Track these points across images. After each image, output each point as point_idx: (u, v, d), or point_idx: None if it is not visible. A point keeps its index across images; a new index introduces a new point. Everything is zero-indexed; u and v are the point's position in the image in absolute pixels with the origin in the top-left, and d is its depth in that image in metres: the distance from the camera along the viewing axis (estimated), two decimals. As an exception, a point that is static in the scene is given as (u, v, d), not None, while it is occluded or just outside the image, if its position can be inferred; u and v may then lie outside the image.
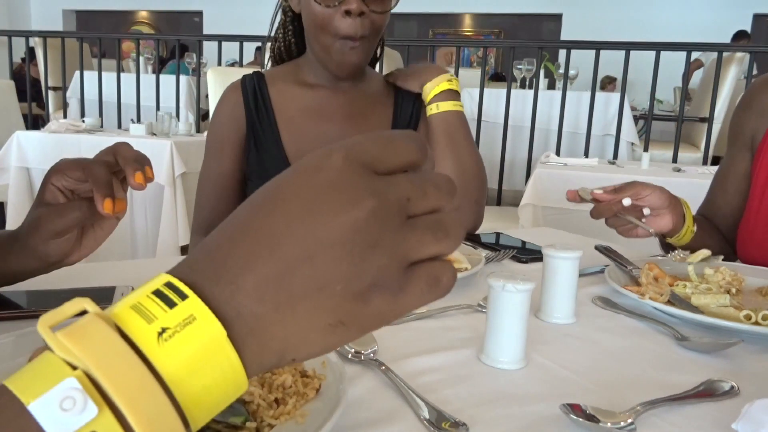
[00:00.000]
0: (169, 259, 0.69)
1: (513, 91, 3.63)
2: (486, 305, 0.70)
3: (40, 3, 11.12)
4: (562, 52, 3.95)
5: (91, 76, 4.52)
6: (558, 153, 3.28)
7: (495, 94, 3.74)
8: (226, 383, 0.29)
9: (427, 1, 9.58)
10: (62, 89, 4.67)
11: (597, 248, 1.05)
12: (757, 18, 8.83)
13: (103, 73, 4.40)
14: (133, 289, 0.76)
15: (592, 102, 3.52)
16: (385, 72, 1.33)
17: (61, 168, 0.71)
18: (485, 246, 1.13)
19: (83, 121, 3.17)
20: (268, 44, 1.32)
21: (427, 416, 0.53)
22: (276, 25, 1.28)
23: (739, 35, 6.70)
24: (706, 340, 0.71)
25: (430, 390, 0.58)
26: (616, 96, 3.61)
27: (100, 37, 4.60)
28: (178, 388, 0.28)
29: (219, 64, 4.18)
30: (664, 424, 0.54)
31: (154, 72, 4.62)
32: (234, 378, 0.29)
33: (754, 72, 3.61)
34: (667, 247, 1.12)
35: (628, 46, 3.52)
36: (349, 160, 0.31)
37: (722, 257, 1.02)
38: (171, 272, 0.30)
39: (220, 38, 4.17)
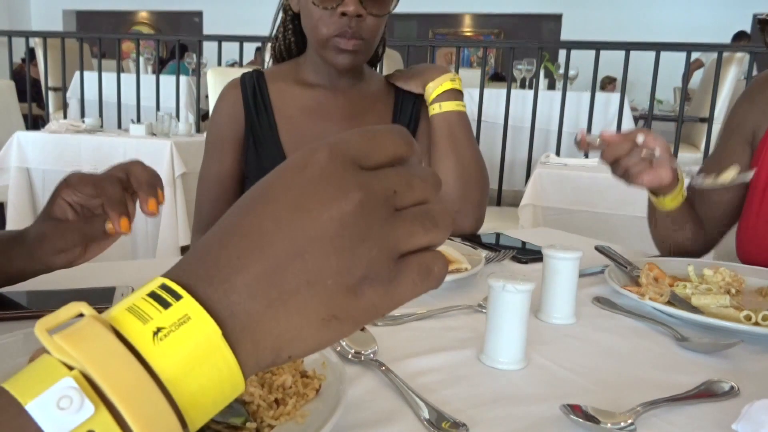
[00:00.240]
0: (170, 260, 0.69)
1: (513, 92, 3.63)
2: (486, 305, 0.70)
3: (40, 3, 11.12)
4: (562, 52, 3.95)
5: (91, 77, 4.52)
6: (558, 153, 3.28)
7: (495, 95, 3.74)
8: (222, 382, 0.29)
9: (427, 1, 9.57)
10: (62, 89, 4.67)
11: (597, 248, 1.05)
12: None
13: (103, 74, 4.40)
14: (133, 289, 0.76)
15: (592, 102, 3.52)
16: (385, 72, 1.33)
17: (72, 183, 0.70)
18: (485, 246, 1.13)
19: (83, 122, 3.17)
20: (269, 44, 1.32)
21: (427, 416, 0.53)
22: (277, 23, 1.28)
23: (739, 35, 6.71)
24: (706, 341, 0.71)
25: (430, 390, 0.58)
26: (616, 96, 3.61)
27: (100, 38, 4.60)
28: (174, 387, 0.28)
29: (219, 64, 4.18)
30: (664, 424, 0.54)
31: (154, 72, 4.62)
32: (230, 377, 0.29)
33: (754, 72, 3.61)
34: (653, 213, 1.12)
35: (628, 47, 3.52)
36: (335, 155, 0.31)
37: (752, 174, 1.02)
38: (166, 275, 0.31)
39: (220, 38, 4.17)
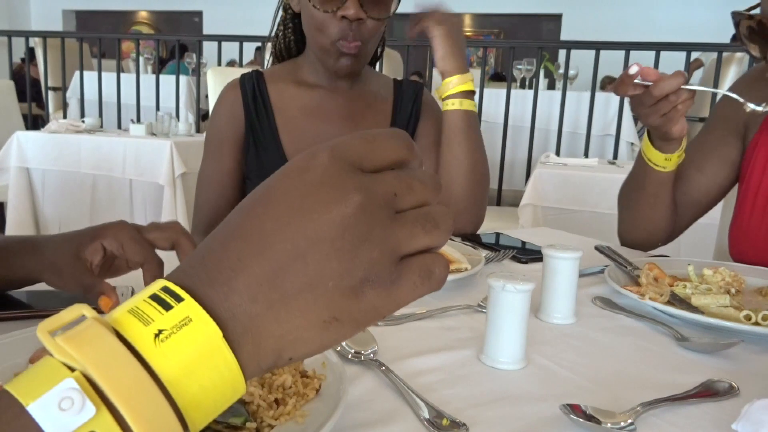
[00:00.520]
0: (169, 260, 0.69)
1: (513, 91, 3.63)
2: (486, 305, 0.70)
3: (40, 3, 11.12)
4: (562, 52, 3.95)
5: (91, 77, 4.52)
6: (558, 153, 3.28)
7: (495, 94, 3.74)
8: (223, 384, 0.29)
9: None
10: (62, 89, 4.67)
11: (597, 248, 1.05)
12: (757, 18, 8.81)
13: (103, 74, 4.40)
14: (133, 290, 0.76)
15: (592, 102, 3.52)
16: (385, 72, 1.33)
17: (118, 237, 0.67)
18: (485, 246, 1.13)
19: (83, 121, 3.17)
20: (269, 44, 1.32)
21: (427, 416, 0.53)
22: (276, 22, 1.28)
23: (739, 35, 6.69)
24: (706, 341, 0.71)
25: (430, 390, 0.58)
26: (616, 96, 3.61)
27: (100, 38, 4.60)
28: (175, 388, 0.28)
29: (219, 64, 4.18)
30: (664, 424, 0.54)
31: (153, 72, 4.62)
32: (231, 379, 0.29)
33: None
34: (640, 183, 1.11)
35: (628, 46, 3.52)
36: (335, 158, 0.31)
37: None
38: (167, 277, 0.31)
39: (220, 38, 4.17)
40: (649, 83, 0.94)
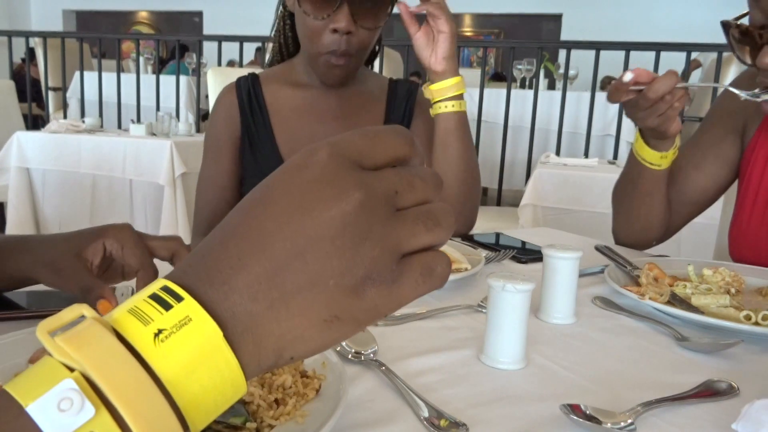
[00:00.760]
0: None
1: (513, 92, 3.63)
2: (486, 305, 0.70)
3: (40, 3, 11.12)
4: (562, 52, 3.95)
5: (91, 77, 4.52)
6: (558, 153, 3.28)
7: (495, 95, 3.74)
8: (224, 384, 0.29)
9: (427, 1, 9.56)
10: (62, 89, 4.67)
11: (597, 248, 1.05)
12: (757, 18, 8.81)
13: (103, 74, 4.40)
14: (133, 290, 0.76)
15: (592, 102, 3.52)
16: (385, 73, 1.33)
17: (120, 238, 0.67)
18: (485, 246, 1.13)
19: (83, 122, 3.17)
20: (270, 44, 1.32)
21: (427, 416, 0.53)
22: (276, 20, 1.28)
23: (739, 35, 6.69)
24: (706, 341, 0.71)
25: (430, 390, 0.58)
26: (615, 97, 3.61)
27: (100, 38, 4.61)
28: (175, 388, 0.28)
29: (219, 64, 4.18)
30: (664, 424, 0.54)
31: (154, 72, 4.62)
32: (232, 378, 0.29)
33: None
34: (635, 180, 1.12)
35: (628, 47, 3.52)
36: (335, 155, 0.31)
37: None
38: (167, 277, 0.31)
39: (220, 38, 4.17)
40: (642, 88, 0.95)
